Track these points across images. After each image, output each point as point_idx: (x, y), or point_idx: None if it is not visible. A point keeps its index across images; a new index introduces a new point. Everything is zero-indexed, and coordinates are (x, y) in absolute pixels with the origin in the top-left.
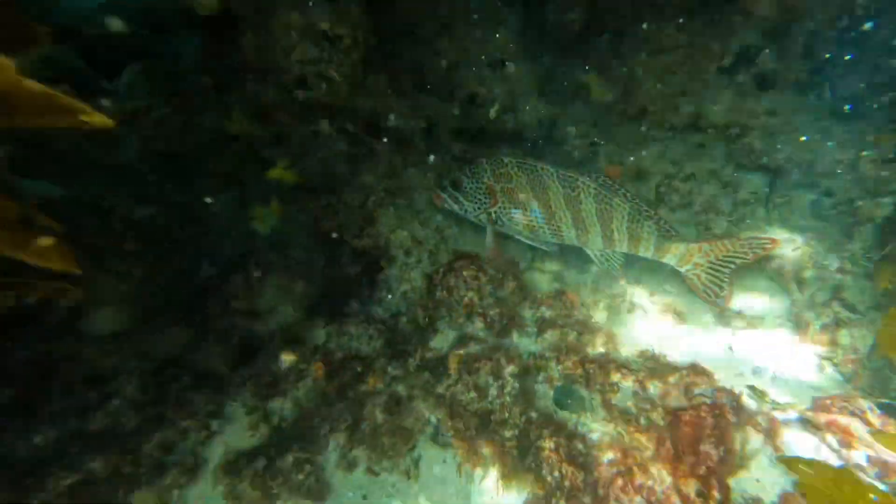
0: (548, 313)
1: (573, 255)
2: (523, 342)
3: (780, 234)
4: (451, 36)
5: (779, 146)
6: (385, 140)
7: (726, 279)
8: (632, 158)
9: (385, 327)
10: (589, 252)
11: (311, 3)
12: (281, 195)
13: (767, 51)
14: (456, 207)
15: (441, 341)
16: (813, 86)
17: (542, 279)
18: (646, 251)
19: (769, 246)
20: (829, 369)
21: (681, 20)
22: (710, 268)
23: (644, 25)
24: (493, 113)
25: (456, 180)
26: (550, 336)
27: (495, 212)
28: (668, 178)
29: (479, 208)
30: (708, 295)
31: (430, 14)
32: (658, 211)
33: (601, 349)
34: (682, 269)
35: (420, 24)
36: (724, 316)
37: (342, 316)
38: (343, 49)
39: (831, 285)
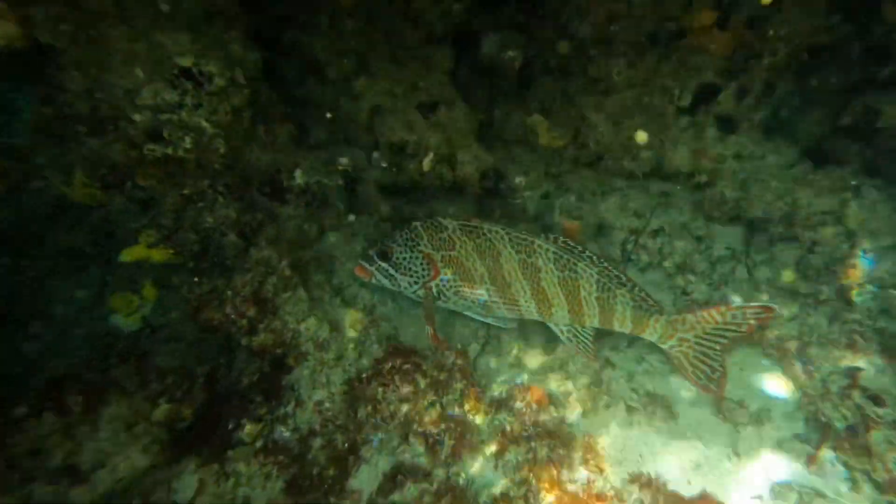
0: (508, 421)
1: (535, 331)
2: (479, 469)
3: (769, 298)
4: (371, 75)
5: (752, 195)
6: (289, 202)
7: (718, 357)
8: (591, 211)
9: (290, 458)
10: (553, 328)
11: (161, 30)
12: (156, 277)
13: (727, 90)
14: (387, 282)
15: (367, 477)
16: (779, 128)
17: (499, 366)
18: (621, 325)
19: (764, 316)
20: (867, 487)
21: (631, 57)
22: (699, 344)
23: (590, 63)
24: (426, 164)
25: (385, 250)
26: (514, 455)
27: (436, 285)
28: (635, 233)
29: (415, 282)
30: (698, 377)
31: (342, 49)
32: (630, 277)
33: (581, 470)
34: (665, 346)
35: (329, 62)
36: (722, 408)
37: (226, 447)
38: (215, 91)
39: (843, 368)
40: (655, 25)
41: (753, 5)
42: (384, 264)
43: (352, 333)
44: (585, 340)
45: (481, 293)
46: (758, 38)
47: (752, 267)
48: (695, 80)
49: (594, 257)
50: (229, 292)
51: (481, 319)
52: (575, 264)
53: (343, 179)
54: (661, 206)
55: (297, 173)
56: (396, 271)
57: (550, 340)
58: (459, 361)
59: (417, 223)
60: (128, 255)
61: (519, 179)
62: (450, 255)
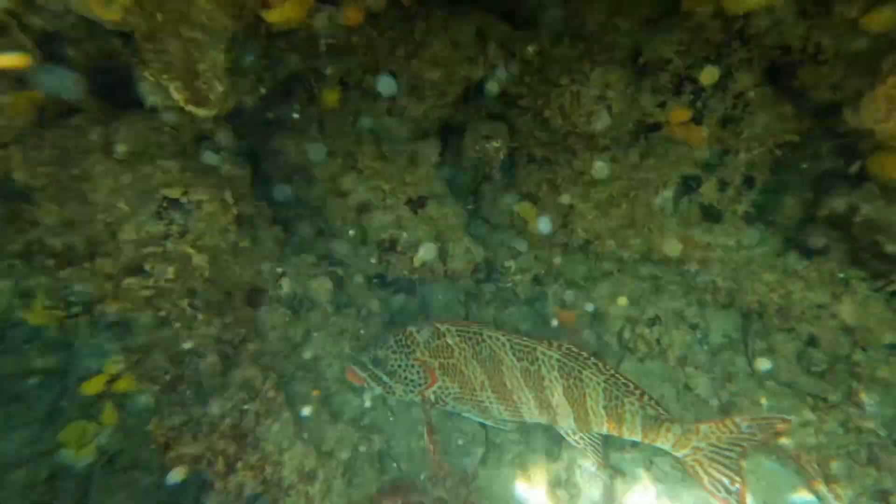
0: None
1: (538, 433)
2: None
3: (775, 399)
4: (359, 172)
5: (745, 286)
6: (275, 311)
7: (735, 466)
8: (584, 298)
9: None
10: (559, 430)
11: (150, 161)
12: (119, 400)
13: (709, 182)
14: (380, 389)
15: None
16: (760, 216)
17: (504, 479)
18: (631, 434)
19: (781, 426)
20: None
21: (614, 151)
22: (715, 453)
23: (574, 157)
24: (418, 260)
25: (378, 356)
26: None
27: (434, 392)
28: (631, 322)
29: (411, 391)
30: (716, 489)
31: (330, 149)
32: (638, 385)
33: None
34: (680, 455)
35: (314, 163)
36: None
37: None
38: (203, 217)
39: (871, 486)
40: (635, 123)
41: (724, 106)
42: (377, 371)
43: (342, 455)
44: (594, 444)
45: (482, 400)
46: (732, 136)
47: (752, 358)
48: (678, 172)
49: (600, 364)
50: (205, 426)
51: (481, 421)
52: (580, 372)
53: (331, 280)
54: (652, 291)
55: (284, 282)
56: (391, 378)
57: (554, 440)
58: (463, 491)
59: (413, 328)
60: (90, 388)
61: (509, 263)
62: (448, 363)
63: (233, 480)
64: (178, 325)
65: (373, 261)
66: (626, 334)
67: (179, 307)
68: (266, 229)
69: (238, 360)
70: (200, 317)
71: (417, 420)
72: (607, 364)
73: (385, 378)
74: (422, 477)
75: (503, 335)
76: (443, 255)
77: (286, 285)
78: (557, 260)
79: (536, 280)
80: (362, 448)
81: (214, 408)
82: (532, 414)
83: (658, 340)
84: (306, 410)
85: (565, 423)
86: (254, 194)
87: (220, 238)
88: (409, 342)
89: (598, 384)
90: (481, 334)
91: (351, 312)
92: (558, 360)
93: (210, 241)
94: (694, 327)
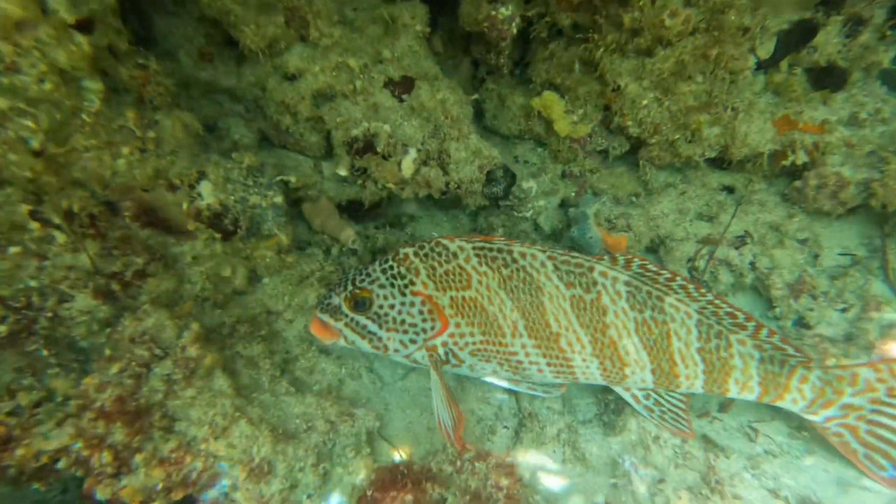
0: None
1: (585, 395)
2: None
3: None
4: (312, 46)
5: (876, 176)
6: (196, 235)
7: None
8: (639, 219)
9: None
10: (624, 394)
11: None
12: None
13: (827, 27)
14: (364, 344)
15: None
16: None
17: (546, 464)
18: (741, 390)
19: None
20: None
21: None
22: (877, 413)
23: (625, 8)
24: (407, 166)
25: (359, 295)
26: None
27: (444, 343)
28: (708, 243)
29: (410, 342)
30: (879, 467)
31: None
32: (750, 315)
33: None
34: (817, 418)
35: (245, 20)
36: None
37: None
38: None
39: None
40: None
41: None
42: (359, 317)
43: (311, 439)
44: (675, 409)
45: (514, 352)
46: None
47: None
48: (778, 19)
49: (690, 287)
50: (73, 404)
51: (510, 388)
52: (661, 300)
53: (283, 196)
54: (732, 203)
55: (204, 188)
56: (380, 327)
57: (615, 407)
58: (505, 481)
59: (409, 249)
60: None
61: (529, 185)
62: (463, 297)
63: (130, 483)
64: (12, 249)
65: (341, 172)
66: (701, 263)
67: (14, 218)
68: (171, 113)
69: (133, 303)
70: (59, 237)
71: (420, 389)
72: (700, 286)
73: (371, 326)
74: (437, 461)
75: (542, 251)
76: (443, 160)
77: (209, 194)
78: (595, 174)
79: (564, 205)
80: (344, 427)
81: (90, 377)
82: (588, 368)
83: (752, 265)
84: (253, 378)
85: (637, 380)
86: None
87: (64, 91)
88: (403, 269)
89: (690, 316)
90: (510, 252)
91: (317, 254)
92: (627, 284)
93: (47, 94)
94: (802, 243)
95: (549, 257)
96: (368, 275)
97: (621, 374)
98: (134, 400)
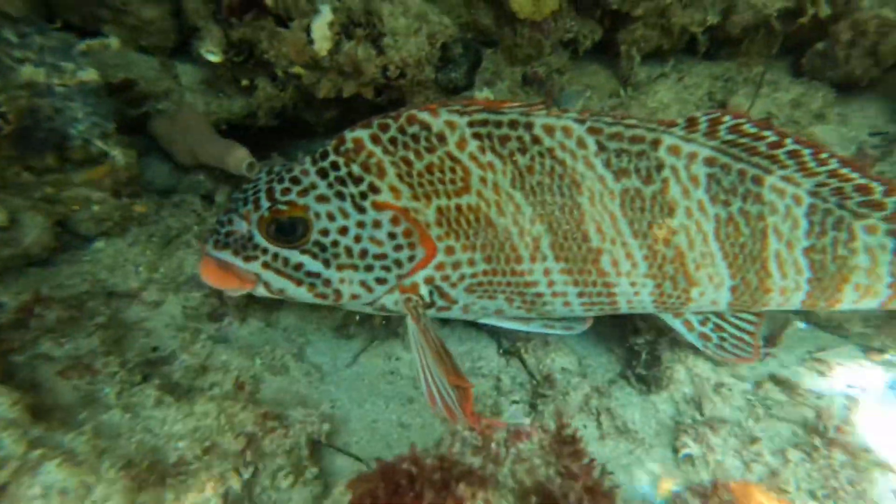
0: None
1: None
2: None
3: None
4: None
5: None
6: None
7: None
8: (635, 110)
9: None
10: (672, 322)
11: None
12: None
13: None
14: (301, 292)
15: None
16: None
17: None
18: (861, 296)
19: None
20: None
21: None
22: None
23: None
24: (321, 37)
25: (284, 216)
26: None
27: (429, 279)
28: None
29: (377, 280)
30: None
31: None
32: (873, 181)
33: None
34: None
35: None
36: None
37: None
38: None
39: None
40: None
41: None
42: (288, 251)
43: (215, 467)
44: (740, 334)
45: (533, 281)
46: None
47: None
48: None
49: (805, 153)
50: None
51: (518, 329)
52: (760, 182)
53: (98, 74)
54: (743, 85)
55: None
56: (325, 264)
57: (648, 353)
58: (574, 465)
59: (362, 132)
60: None
61: (483, 94)
62: (458, 206)
63: None
64: None
65: (211, 56)
66: None
67: None
68: None
69: None
70: None
71: (380, 372)
72: (821, 149)
73: (311, 263)
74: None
75: (580, 120)
76: (374, 29)
77: None
78: (564, 78)
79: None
80: (270, 441)
81: None
82: (636, 296)
83: None
84: (84, 386)
85: (705, 302)
86: None
87: None
88: (357, 168)
89: (799, 202)
90: (530, 127)
91: (191, 201)
92: (710, 163)
93: None
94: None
95: (591, 130)
96: (297, 179)
97: (684, 299)
98: None
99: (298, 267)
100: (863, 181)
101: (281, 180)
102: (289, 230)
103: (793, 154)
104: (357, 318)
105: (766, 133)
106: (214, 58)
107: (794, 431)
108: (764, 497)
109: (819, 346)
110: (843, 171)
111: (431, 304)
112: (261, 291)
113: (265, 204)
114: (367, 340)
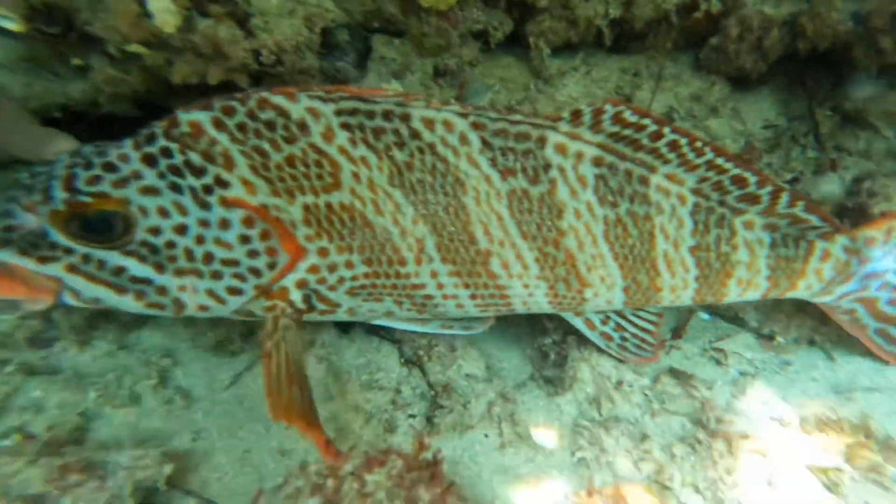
0: None
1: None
2: None
3: None
4: None
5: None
6: None
7: None
8: (543, 103)
9: None
10: (574, 321)
11: None
12: None
13: None
14: (126, 301)
15: None
16: None
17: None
18: (744, 289)
19: None
20: None
21: None
22: None
23: None
24: (159, 7)
25: (90, 209)
26: None
27: (301, 283)
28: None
29: (229, 290)
30: (884, 340)
31: None
32: (766, 174)
33: None
34: (830, 298)
35: None
36: None
37: None
38: None
39: None
40: None
41: None
42: (102, 252)
43: None
44: (641, 333)
45: (420, 283)
46: None
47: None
48: None
49: (683, 143)
50: None
51: (416, 329)
52: (646, 181)
53: None
54: (636, 83)
55: None
56: (158, 269)
57: (556, 353)
58: (425, 493)
59: (201, 114)
60: None
61: (392, 85)
62: (328, 205)
63: None
64: None
65: (7, 24)
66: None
67: None
68: None
69: None
70: None
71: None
72: (696, 138)
73: (136, 268)
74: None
75: (462, 114)
76: (232, 7)
77: None
78: (476, 70)
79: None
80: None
81: None
82: (530, 297)
83: None
84: None
85: (600, 302)
86: None
87: None
88: (196, 157)
89: (684, 201)
90: (408, 119)
91: None
92: (597, 163)
93: None
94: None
95: (474, 125)
96: (112, 166)
97: (578, 300)
98: None
99: (119, 271)
100: (738, 171)
101: (88, 166)
102: (101, 227)
103: (672, 146)
104: (241, 330)
105: (645, 122)
106: (13, 25)
107: (683, 424)
108: (643, 496)
109: (719, 336)
110: (719, 161)
111: (311, 309)
112: (68, 301)
113: (59, 195)
114: (254, 357)
